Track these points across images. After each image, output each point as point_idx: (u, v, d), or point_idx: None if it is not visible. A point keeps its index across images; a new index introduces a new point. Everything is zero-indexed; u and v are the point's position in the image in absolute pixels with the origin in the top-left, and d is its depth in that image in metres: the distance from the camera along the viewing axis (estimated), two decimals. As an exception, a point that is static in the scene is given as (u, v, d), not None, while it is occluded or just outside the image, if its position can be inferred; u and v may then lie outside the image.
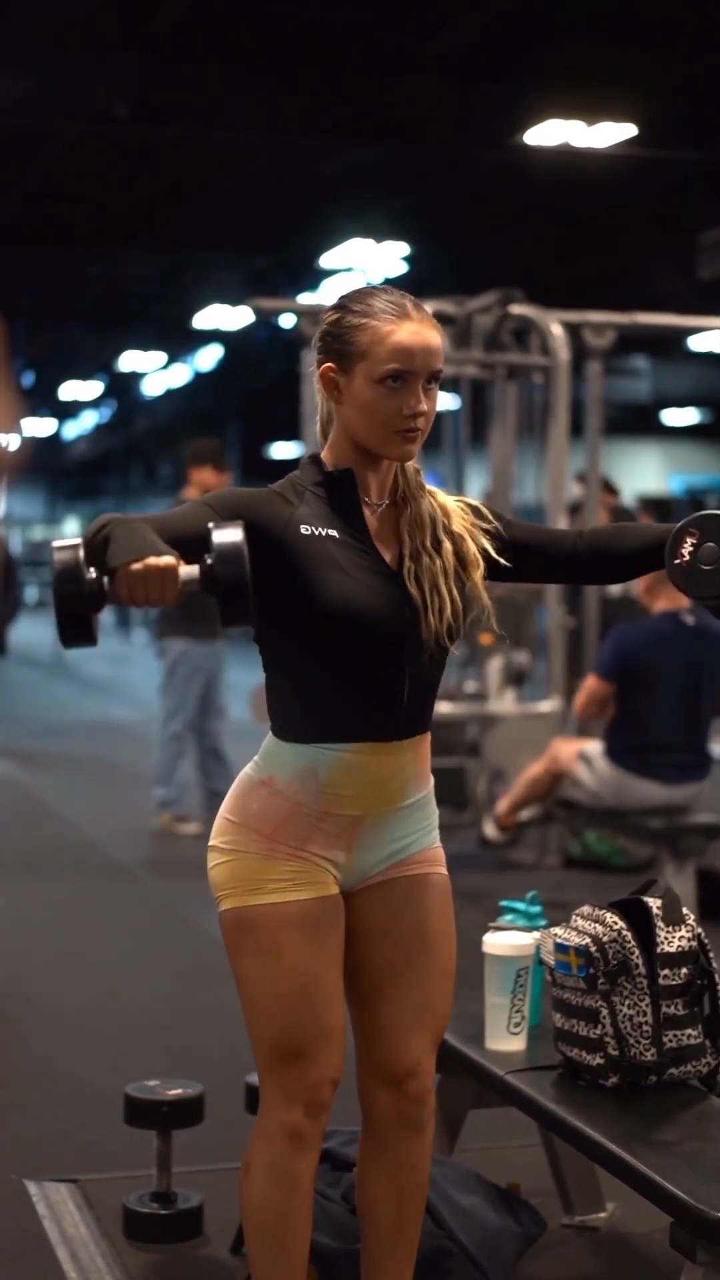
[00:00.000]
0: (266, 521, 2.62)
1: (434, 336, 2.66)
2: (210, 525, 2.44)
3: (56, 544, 2.38)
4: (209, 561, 2.39)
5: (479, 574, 2.75)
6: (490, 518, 2.80)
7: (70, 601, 2.34)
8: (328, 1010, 2.71)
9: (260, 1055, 2.73)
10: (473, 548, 2.76)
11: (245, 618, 2.41)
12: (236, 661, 8.54)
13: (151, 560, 2.35)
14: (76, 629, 2.37)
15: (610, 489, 8.75)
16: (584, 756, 6.39)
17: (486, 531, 2.78)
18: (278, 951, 2.67)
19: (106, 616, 24.41)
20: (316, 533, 2.65)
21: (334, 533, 2.66)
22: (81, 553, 2.35)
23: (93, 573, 2.36)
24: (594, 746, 6.43)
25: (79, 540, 2.39)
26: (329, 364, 2.68)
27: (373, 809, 2.71)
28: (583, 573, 2.89)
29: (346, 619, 2.62)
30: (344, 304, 2.70)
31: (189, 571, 2.39)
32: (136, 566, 2.35)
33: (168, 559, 2.36)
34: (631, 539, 2.82)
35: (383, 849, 2.74)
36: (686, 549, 2.67)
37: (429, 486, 2.79)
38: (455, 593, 2.71)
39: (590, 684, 6.52)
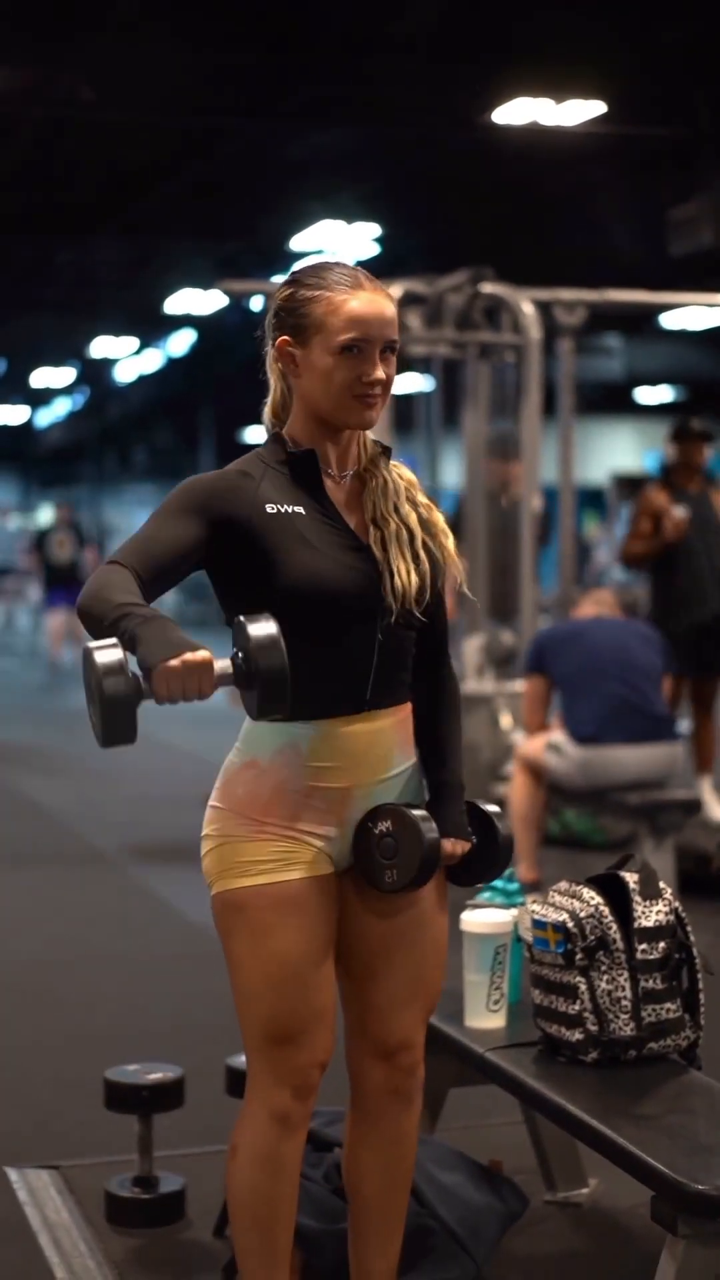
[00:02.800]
0: (233, 510, 2.63)
1: (388, 306, 2.68)
2: (241, 618, 2.42)
3: (93, 645, 2.38)
4: (239, 655, 2.40)
5: (449, 541, 2.77)
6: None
7: (117, 702, 2.33)
8: (319, 992, 2.71)
9: (250, 1038, 2.72)
10: (439, 518, 2.78)
11: (284, 708, 2.42)
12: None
13: (189, 656, 2.35)
14: (122, 728, 2.36)
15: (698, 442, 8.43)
16: (552, 746, 6.39)
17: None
18: (268, 934, 2.67)
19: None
20: (282, 510, 2.65)
21: (299, 509, 2.67)
22: (122, 652, 2.35)
23: (131, 671, 2.35)
24: (560, 734, 6.43)
25: (115, 640, 2.38)
26: (285, 338, 2.69)
27: (358, 780, 2.70)
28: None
29: (316, 593, 2.62)
30: (296, 278, 2.72)
31: (223, 665, 2.40)
32: (174, 664, 2.35)
33: (203, 654, 2.36)
34: (421, 727, 2.79)
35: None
36: (381, 826, 2.69)
37: (393, 462, 2.80)
38: (423, 558, 2.72)
39: (525, 688, 6.64)
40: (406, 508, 2.75)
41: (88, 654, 2.37)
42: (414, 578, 2.69)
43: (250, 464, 2.71)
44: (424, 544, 2.73)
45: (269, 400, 2.79)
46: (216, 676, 2.38)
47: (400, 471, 2.80)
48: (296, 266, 2.77)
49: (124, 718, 2.35)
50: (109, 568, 2.54)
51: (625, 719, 6.31)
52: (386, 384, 2.67)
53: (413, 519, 2.74)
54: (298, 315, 2.67)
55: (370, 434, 2.80)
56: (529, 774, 6.44)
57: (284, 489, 2.68)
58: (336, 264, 2.72)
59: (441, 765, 2.83)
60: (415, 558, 2.71)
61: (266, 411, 2.79)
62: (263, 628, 2.39)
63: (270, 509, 2.64)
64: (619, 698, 6.31)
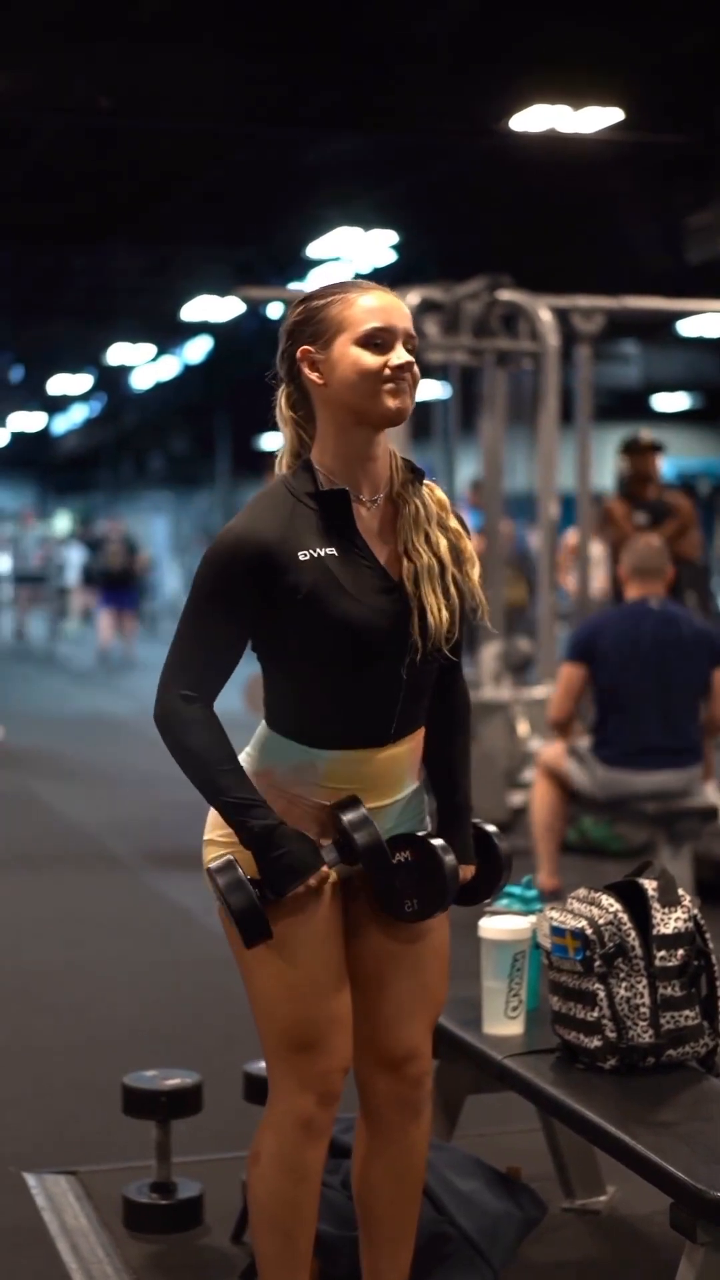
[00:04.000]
0: (267, 578, 2.61)
1: (403, 305, 2.71)
2: (332, 808, 2.67)
3: (213, 866, 2.64)
4: (340, 838, 2.67)
5: (475, 571, 2.75)
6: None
7: (245, 913, 2.60)
8: (336, 997, 2.72)
9: (271, 1046, 2.72)
10: (468, 545, 2.76)
11: (389, 874, 2.70)
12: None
13: (311, 883, 2.63)
14: (257, 930, 2.62)
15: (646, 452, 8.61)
16: (575, 754, 6.36)
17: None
18: (286, 944, 2.67)
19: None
20: (314, 554, 2.63)
21: (332, 550, 2.64)
22: (241, 870, 2.62)
23: (253, 886, 2.62)
24: (584, 742, 6.40)
25: (228, 855, 2.65)
26: (306, 347, 2.69)
27: (370, 802, 2.70)
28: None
29: (350, 638, 2.62)
30: (307, 297, 2.74)
31: (332, 857, 2.67)
32: (301, 891, 2.62)
33: (320, 872, 2.63)
34: (433, 750, 2.82)
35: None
36: (400, 856, 2.73)
37: (427, 482, 2.77)
38: (453, 593, 2.70)
39: (562, 672, 6.50)
40: (437, 535, 2.72)
41: (210, 874, 2.64)
42: (444, 614, 2.68)
43: (277, 502, 2.67)
44: (452, 574, 2.71)
45: (283, 450, 2.77)
46: (329, 866, 2.67)
47: (434, 494, 2.77)
48: (304, 289, 2.79)
49: (255, 922, 2.61)
50: (186, 709, 2.65)
51: (653, 753, 6.25)
52: (414, 376, 2.67)
53: (443, 548, 2.71)
54: (315, 323, 2.68)
55: (391, 444, 2.78)
56: (551, 781, 6.41)
57: (314, 528, 2.65)
58: (342, 279, 2.76)
59: (454, 789, 2.84)
60: (445, 592, 2.69)
61: (284, 460, 2.76)
62: (354, 813, 2.67)
63: (303, 556, 2.62)
64: (652, 730, 6.24)
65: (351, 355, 2.64)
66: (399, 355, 2.65)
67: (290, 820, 2.67)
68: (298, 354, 2.69)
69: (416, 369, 2.69)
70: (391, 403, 2.65)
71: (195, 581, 2.67)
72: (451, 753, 2.85)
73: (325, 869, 2.64)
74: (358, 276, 2.86)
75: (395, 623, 2.65)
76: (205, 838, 2.76)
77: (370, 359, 2.64)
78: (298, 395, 2.73)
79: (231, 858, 2.62)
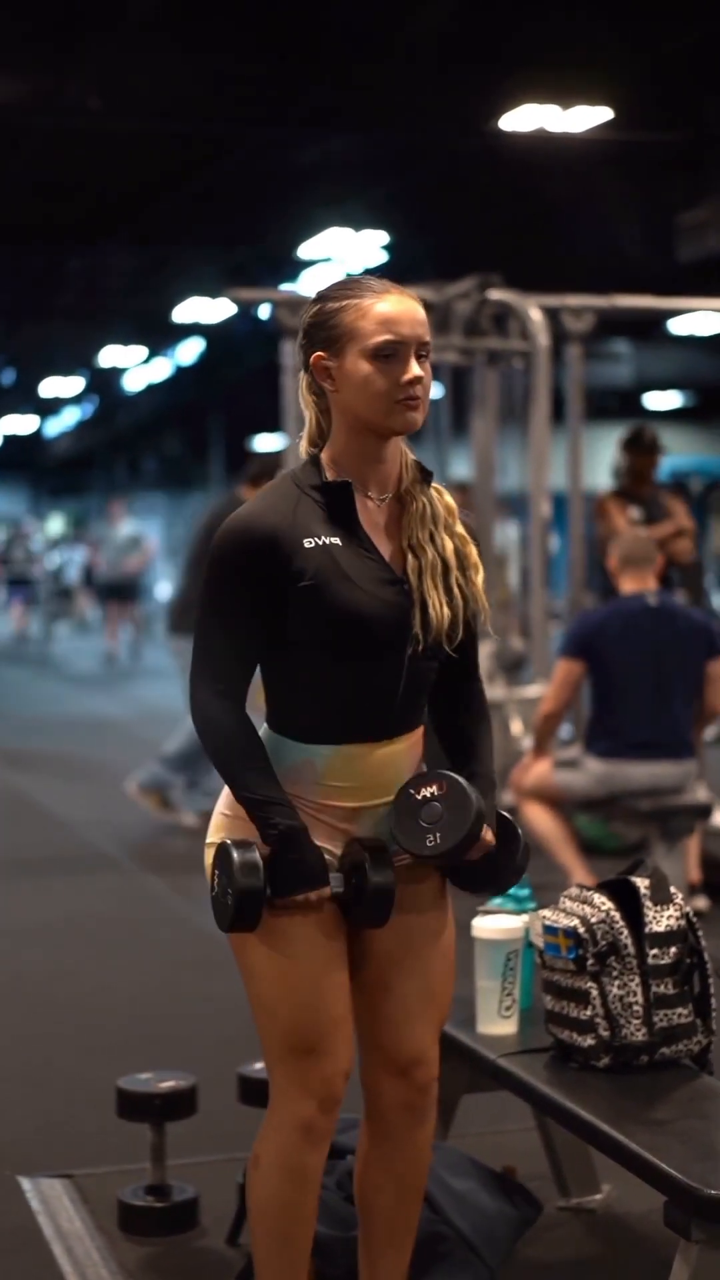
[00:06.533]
0: (274, 565, 2.62)
1: (418, 308, 2.68)
2: (359, 839, 2.69)
3: (231, 840, 2.65)
4: (355, 880, 2.68)
5: (480, 578, 2.76)
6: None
7: (250, 899, 2.61)
8: (336, 1000, 2.71)
9: (271, 1050, 2.72)
10: (474, 551, 2.76)
11: (384, 922, 2.70)
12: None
13: (312, 896, 2.63)
14: (249, 917, 2.63)
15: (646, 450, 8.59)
16: (561, 765, 6.35)
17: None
18: (287, 944, 2.67)
19: (94, 611, 24.39)
20: (320, 542, 2.64)
21: (336, 540, 2.65)
22: (258, 855, 2.62)
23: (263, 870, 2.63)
24: (571, 753, 6.38)
25: (256, 840, 2.64)
26: (319, 352, 2.68)
27: (368, 800, 2.71)
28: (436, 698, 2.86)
29: (352, 627, 2.62)
30: (323, 295, 2.71)
31: (338, 885, 2.69)
32: (300, 900, 2.63)
33: (322, 890, 2.64)
34: (452, 738, 2.84)
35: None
36: (426, 791, 2.71)
37: (436, 485, 2.77)
38: (456, 593, 2.71)
39: (559, 666, 6.46)
40: (443, 537, 2.73)
41: (226, 851, 2.63)
42: (446, 611, 2.69)
43: (282, 493, 2.69)
44: (456, 576, 2.72)
45: (305, 431, 2.77)
46: (331, 894, 2.68)
47: (443, 499, 2.77)
48: (321, 286, 2.76)
49: (252, 909, 2.62)
50: (215, 705, 2.66)
51: (649, 745, 6.24)
52: (425, 385, 2.66)
53: (449, 549, 2.72)
54: (328, 327, 2.66)
55: (404, 444, 2.77)
56: (539, 800, 6.37)
57: (319, 518, 2.66)
58: (361, 277, 2.72)
59: (474, 759, 2.82)
60: (449, 591, 2.70)
61: (303, 444, 2.77)
62: (379, 855, 2.67)
63: (308, 543, 2.63)
64: (640, 711, 6.23)
65: (362, 371, 2.63)
66: (410, 370, 2.64)
67: None
68: (311, 359, 2.69)
69: (429, 376, 2.68)
70: (401, 419, 2.66)
71: (207, 576, 2.67)
72: (469, 732, 2.84)
73: (327, 891, 2.65)
74: (367, 272, 2.81)
75: (398, 614, 2.66)
76: (208, 841, 2.75)
77: (380, 378, 2.63)
78: (317, 385, 2.73)
79: (251, 840, 2.63)
